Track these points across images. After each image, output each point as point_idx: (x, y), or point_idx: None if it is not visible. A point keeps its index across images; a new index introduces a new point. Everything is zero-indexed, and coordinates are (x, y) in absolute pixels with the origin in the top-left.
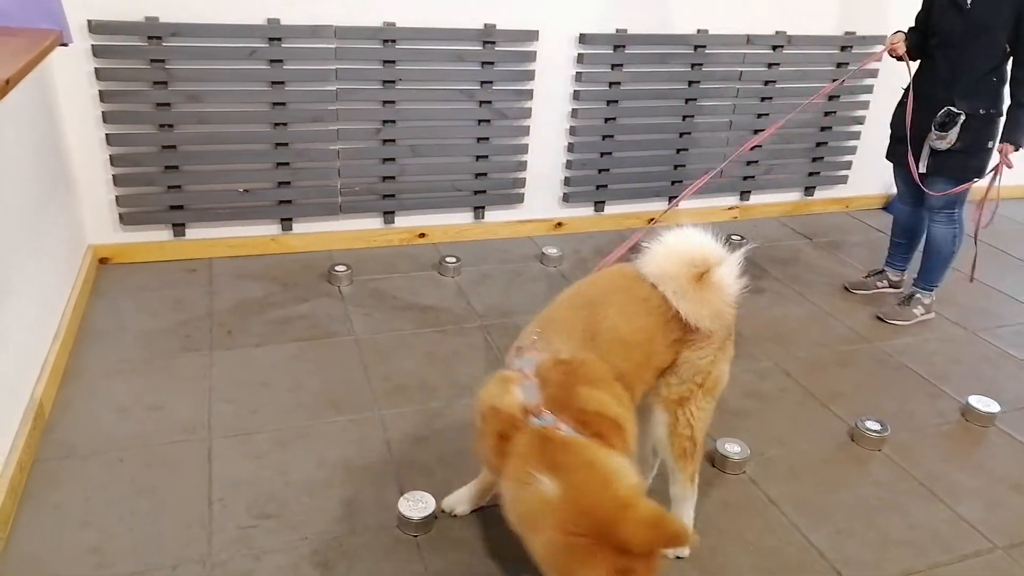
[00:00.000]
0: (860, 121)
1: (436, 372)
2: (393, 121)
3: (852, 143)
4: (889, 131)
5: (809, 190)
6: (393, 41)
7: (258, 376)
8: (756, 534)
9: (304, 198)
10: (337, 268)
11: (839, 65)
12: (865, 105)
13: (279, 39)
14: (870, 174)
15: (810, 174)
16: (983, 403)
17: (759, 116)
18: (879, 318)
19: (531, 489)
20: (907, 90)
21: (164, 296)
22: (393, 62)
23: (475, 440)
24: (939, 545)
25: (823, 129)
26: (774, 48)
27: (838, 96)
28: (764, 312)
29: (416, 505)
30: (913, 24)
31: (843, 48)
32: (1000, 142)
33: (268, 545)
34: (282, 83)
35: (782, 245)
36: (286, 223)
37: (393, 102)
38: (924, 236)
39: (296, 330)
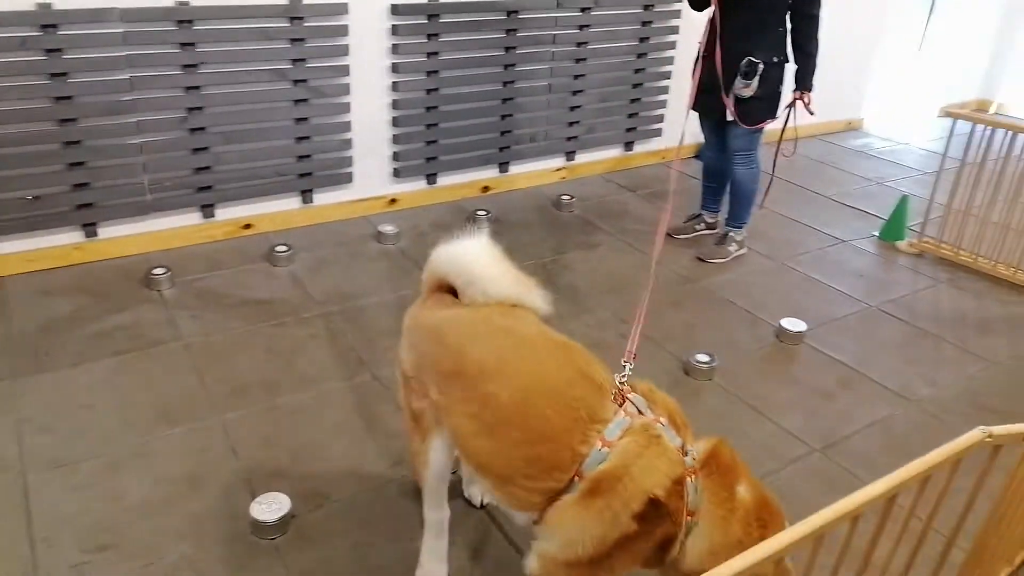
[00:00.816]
0: (667, 76)
1: (278, 368)
2: (200, 108)
3: (662, 97)
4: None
5: (628, 145)
6: (189, 22)
7: (78, 398)
8: None
9: (108, 199)
10: (155, 271)
11: (644, 24)
12: (671, 60)
13: (54, 26)
14: (680, 126)
15: (627, 130)
16: (793, 324)
17: (576, 77)
18: (699, 259)
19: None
20: (704, 44)
21: None
22: (192, 44)
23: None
24: (768, 455)
25: (635, 86)
26: (583, 10)
27: (645, 54)
28: (599, 266)
29: (270, 507)
30: None
31: (646, 7)
32: (796, 90)
33: None
34: (63, 75)
35: (609, 200)
36: (89, 228)
37: (198, 87)
38: (727, 177)
39: (116, 343)
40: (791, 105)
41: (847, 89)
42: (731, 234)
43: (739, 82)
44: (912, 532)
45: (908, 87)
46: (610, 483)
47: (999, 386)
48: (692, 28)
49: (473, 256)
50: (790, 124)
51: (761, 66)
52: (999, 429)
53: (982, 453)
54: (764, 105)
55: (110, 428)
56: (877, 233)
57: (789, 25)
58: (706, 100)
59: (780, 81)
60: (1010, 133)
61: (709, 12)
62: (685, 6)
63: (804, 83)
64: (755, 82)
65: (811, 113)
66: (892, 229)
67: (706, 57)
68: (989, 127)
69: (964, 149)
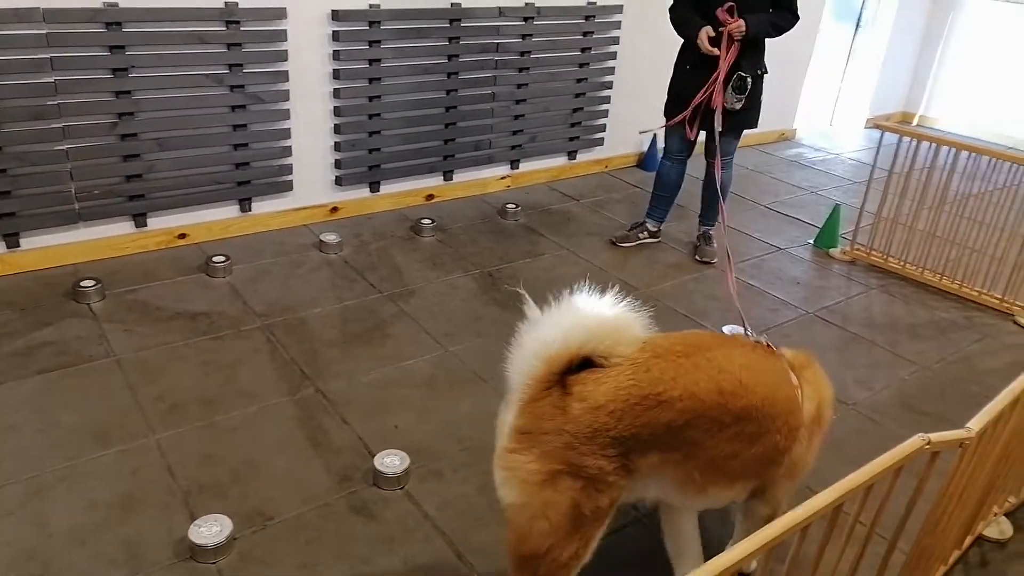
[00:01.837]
0: (609, 86)
1: (216, 383)
2: (131, 113)
3: (604, 107)
4: (667, 95)
5: (571, 154)
6: (119, 24)
7: (0, 419)
8: None
9: (31, 208)
10: (83, 283)
11: (585, 34)
12: (612, 71)
13: None
14: (622, 135)
15: (570, 139)
16: (732, 330)
17: (519, 86)
18: (699, 260)
19: None
20: (681, 57)
21: None
22: (122, 47)
23: None
24: None
25: (577, 96)
26: (525, 20)
27: (587, 64)
28: (545, 274)
29: (210, 530)
30: None
31: (587, 17)
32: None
33: None
34: None
35: (554, 208)
36: (11, 239)
37: (128, 92)
38: (680, 188)
39: (41, 360)
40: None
41: (780, 101)
42: (711, 232)
43: (732, 96)
44: (857, 537)
45: (837, 99)
46: (818, 417)
47: (929, 389)
48: (636, 38)
49: (603, 314)
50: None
51: (750, 80)
52: (937, 436)
53: (920, 458)
54: (750, 115)
55: (36, 450)
56: (812, 241)
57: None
58: (696, 113)
59: (761, 92)
60: (934, 145)
61: (714, 51)
62: (626, 17)
63: (748, 24)
64: (746, 96)
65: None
66: (826, 237)
67: (689, 70)
68: (914, 139)
69: (891, 160)
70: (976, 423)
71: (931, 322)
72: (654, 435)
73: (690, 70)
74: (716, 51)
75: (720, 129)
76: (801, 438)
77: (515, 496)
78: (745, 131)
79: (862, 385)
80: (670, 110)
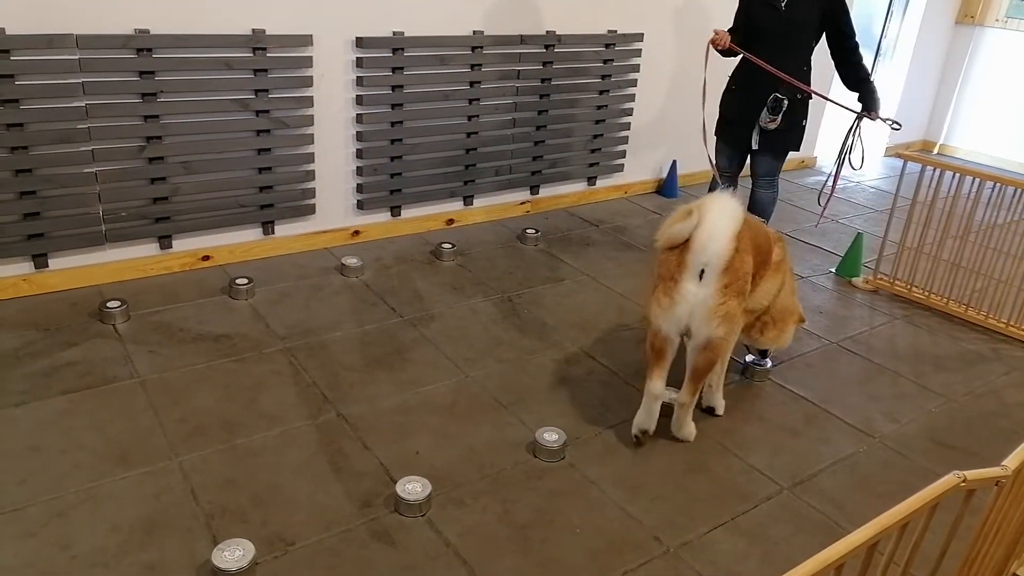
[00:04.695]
0: (629, 113)
1: (238, 406)
2: (159, 137)
3: (624, 134)
4: (719, 113)
5: (591, 180)
6: (149, 50)
7: (23, 440)
8: (582, 516)
9: (59, 229)
10: (109, 304)
11: (606, 61)
12: (632, 98)
13: (6, 51)
14: (642, 162)
15: (590, 165)
16: (759, 361)
17: (540, 112)
18: None
19: None
20: (730, 79)
21: None
22: (152, 73)
23: None
24: (737, 493)
25: (597, 122)
26: (547, 47)
27: (608, 91)
28: (566, 300)
29: (233, 554)
30: (733, 24)
31: (607, 45)
32: (864, 111)
33: None
34: (15, 101)
35: (573, 234)
36: (39, 259)
37: (157, 116)
38: None
39: (66, 380)
40: (857, 120)
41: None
42: None
43: (765, 116)
44: None
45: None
46: (779, 261)
47: (957, 422)
48: (656, 65)
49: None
50: (853, 141)
51: (786, 102)
52: (973, 473)
53: (955, 495)
54: (788, 137)
55: (59, 472)
56: (834, 269)
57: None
58: (735, 131)
59: (804, 116)
60: (957, 175)
61: (737, 58)
62: (646, 45)
63: (871, 106)
64: (780, 117)
65: (896, 126)
66: (848, 266)
67: (735, 90)
68: (937, 169)
69: (914, 189)
70: (1012, 461)
71: (957, 354)
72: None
73: (735, 90)
74: (724, 43)
75: (755, 147)
76: (771, 269)
77: (726, 330)
78: (791, 154)
79: (888, 417)
80: (719, 128)
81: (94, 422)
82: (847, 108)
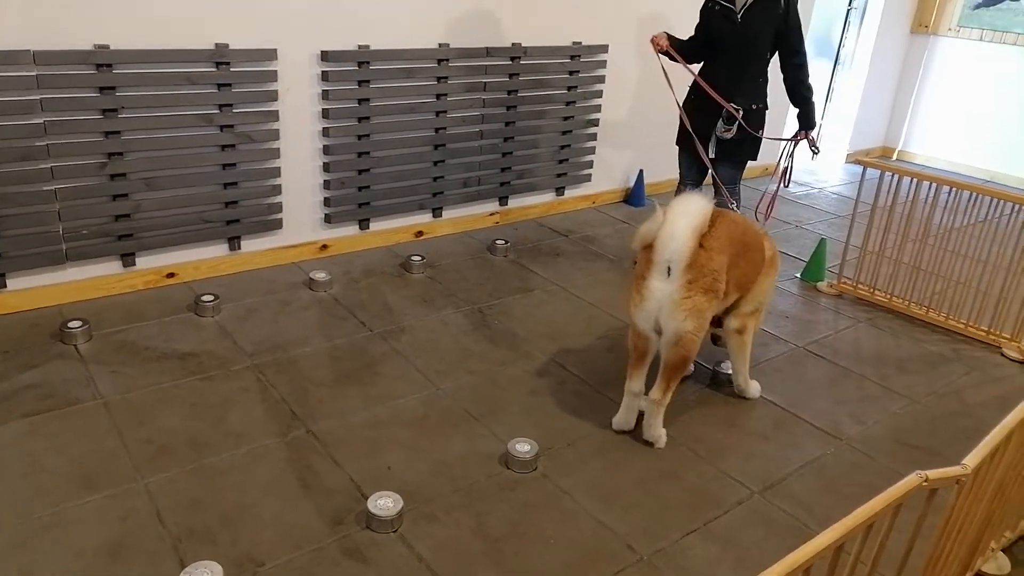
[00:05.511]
0: (595, 123)
1: (205, 425)
2: (120, 153)
3: (591, 144)
4: (678, 122)
5: (559, 190)
6: (109, 66)
7: None
8: (555, 527)
9: (18, 249)
10: (70, 324)
11: (571, 73)
12: (598, 109)
13: None
14: (609, 171)
15: (558, 175)
16: (727, 367)
17: (507, 124)
18: None
19: None
20: (691, 89)
21: None
22: (112, 88)
23: None
24: (709, 499)
25: (564, 133)
26: (512, 59)
27: (574, 101)
28: (535, 311)
29: None
30: (693, 34)
31: (573, 57)
32: (800, 130)
33: None
34: None
35: (543, 244)
36: None
37: (118, 132)
38: None
39: (25, 403)
40: (792, 140)
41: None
42: None
43: (721, 125)
44: None
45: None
46: (770, 259)
47: (921, 423)
48: (621, 76)
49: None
50: (783, 161)
51: (741, 112)
52: (934, 473)
53: (918, 495)
54: (743, 147)
55: (19, 497)
56: (799, 274)
57: (773, 75)
58: (692, 141)
59: (760, 126)
60: (915, 180)
61: (698, 66)
62: (610, 55)
63: (806, 124)
64: (735, 126)
65: (815, 151)
66: (813, 270)
67: (693, 100)
68: (896, 174)
69: (874, 194)
70: (972, 459)
71: (920, 355)
72: (731, 260)
73: (693, 100)
74: (663, 44)
75: (712, 155)
76: (764, 270)
77: (693, 324)
78: (749, 163)
79: (854, 420)
80: (679, 137)
81: (56, 445)
82: (779, 139)
